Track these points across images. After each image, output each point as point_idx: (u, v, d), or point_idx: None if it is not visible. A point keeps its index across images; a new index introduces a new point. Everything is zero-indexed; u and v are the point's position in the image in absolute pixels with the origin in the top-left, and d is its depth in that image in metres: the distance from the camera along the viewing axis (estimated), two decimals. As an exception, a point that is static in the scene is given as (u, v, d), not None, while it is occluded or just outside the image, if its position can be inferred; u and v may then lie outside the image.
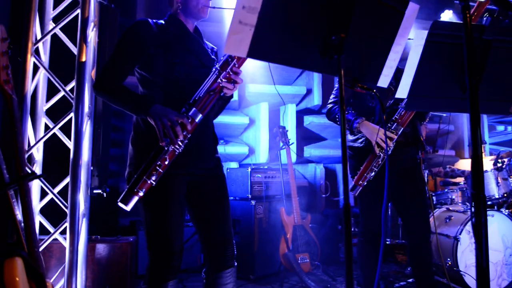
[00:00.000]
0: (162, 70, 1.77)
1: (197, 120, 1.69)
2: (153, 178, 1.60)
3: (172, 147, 1.63)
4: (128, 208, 1.59)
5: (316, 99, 4.77)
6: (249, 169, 3.67)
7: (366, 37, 1.43)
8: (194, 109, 1.69)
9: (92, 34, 2.43)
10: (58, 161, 2.59)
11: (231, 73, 1.71)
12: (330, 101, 2.69)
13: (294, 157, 4.52)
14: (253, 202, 3.57)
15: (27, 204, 1.32)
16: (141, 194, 1.59)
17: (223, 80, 1.71)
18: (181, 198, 1.81)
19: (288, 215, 3.53)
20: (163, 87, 1.78)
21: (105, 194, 2.50)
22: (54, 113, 2.60)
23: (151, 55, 1.77)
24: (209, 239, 1.88)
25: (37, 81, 2.57)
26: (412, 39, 1.76)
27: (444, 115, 4.45)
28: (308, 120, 4.78)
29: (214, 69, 1.72)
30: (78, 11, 2.40)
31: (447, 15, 4.91)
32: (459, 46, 1.76)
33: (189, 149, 1.70)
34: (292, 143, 3.70)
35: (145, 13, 3.87)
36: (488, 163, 4.19)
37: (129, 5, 3.53)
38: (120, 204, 1.59)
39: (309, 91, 4.82)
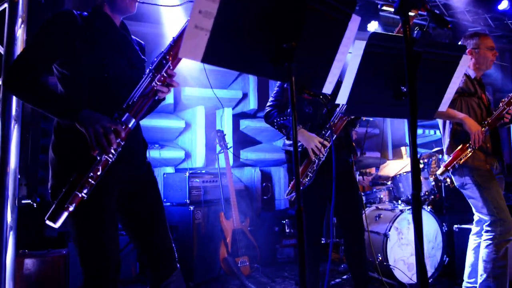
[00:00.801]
0: (88, 69, 1.62)
1: (130, 125, 1.58)
2: (85, 191, 1.45)
3: (105, 156, 1.50)
4: (56, 225, 1.43)
5: (252, 103, 4.84)
6: (187, 174, 3.61)
7: (314, 46, 1.48)
8: (127, 114, 1.57)
9: (20, 31, 2.24)
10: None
11: (166, 75, 1.60)
12: (268, 104, 2.75)
13: (230, 161, 4.54)
14: (191, 208, 3.52)
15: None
16: (71, 209, 1.43)
17: (158, 83, 1.60)
18: (112, 207, 1.68)
19: (227, 219, 3.53)
20: (90, 88, 1.63)
21: (35, 204, 2.32)
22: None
23: (75, 50, 1.60)
24: (148, 247, 1.77)
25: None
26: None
27: (371, 119, 4.73)
28: (244, 124, 4.83)
29: (148, 71, 1.61)
30: (5, 5, 2.21)
31: (373, 26, 5.23)
32: (394, 57, 1.90)
33: (119, 156, 1.57)
34: (231, 147, 3.71)
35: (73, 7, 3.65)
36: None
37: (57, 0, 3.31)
38: (48, 222, 1.42)
39: (245, 95, 4.87)
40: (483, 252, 2.72)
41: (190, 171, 3.77)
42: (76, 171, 1.47)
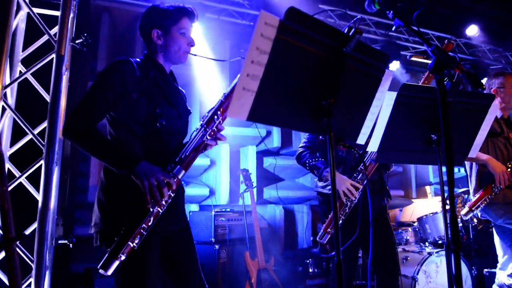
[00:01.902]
0: (143, 119, 1.67)
1: (180, 177, 1.65)
2: (136, 241, 1.52)
3: (157, 208, 1.56)
4: (108, 273, 1.48)
5: (275, 141, 4.91)
6: (213, 212, 3.65)
7: (350, 100, 1.55)
8: (178, 167, 1.64)
9: (64, 78, 2.38)
10: (20, 208, 2.44)
11: (215, 130, 1.69)
12: (301, 145, 2.81)
13: (254, 199, 4.57)
14: (216, 246, 3.54)
15: (14, 266, 1.25)
16: (123, 258, 1.49)
17: (208, 137, 1.69)
18: (157, 257, 1.74)
19: (252, 259, 3.53)
20: (143, 137, 1.69)
21: (71, 245, 2.38)
22: (15, 159, 2.48)
23: (133, 100, 1.66)
24: None
25: (2, 124, 2.45)
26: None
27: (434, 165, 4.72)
28: (268, 161, 4.88)
29: (200, 126, 1.70)
30: (53, 55, 2.36)
31: (395, 66, 5.31)
32: (424, 106, 1.96)
33: (166, 208, 1.63)
34: (256, 186, 3.75)
35: (107, 56, 3.85)
36: (435, 203, 4.48)
37: (91, 47, 3.50)
38: (101, 270, 1.48)
39: (268, 133, 4.95)
40: None
41: (216, 209, 3.81)
42: (129, 220, 1.52)
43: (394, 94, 1.88)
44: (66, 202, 2.50)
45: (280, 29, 1.24)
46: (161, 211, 1.58)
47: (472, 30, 5.92)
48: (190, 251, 1.88)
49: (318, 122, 1.42)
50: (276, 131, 4.92)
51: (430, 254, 3.37)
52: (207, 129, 1.69)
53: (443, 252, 3.45)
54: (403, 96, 1.88)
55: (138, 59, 1.78)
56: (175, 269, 1.83)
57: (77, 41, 2.67)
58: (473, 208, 2.82)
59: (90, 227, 1.70)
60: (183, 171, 1.67)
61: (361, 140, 1.70)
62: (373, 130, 1.88)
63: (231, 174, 4.54)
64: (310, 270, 4.28)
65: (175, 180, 1.61)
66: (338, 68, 1.41)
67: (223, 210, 3.92)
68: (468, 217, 2.92)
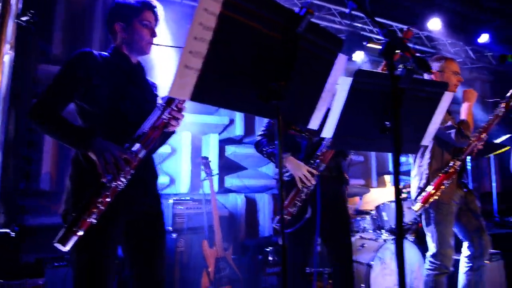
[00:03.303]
0: (106, 103, 1.75)
1: (140, 155, 1.67)
2: (94, 216, 1.54)
3: (115, 183, 1.58)
4: (66, 249, 1.50)
5: (238, 129, 4.85)
6: (171, 201, 3.57)
7: (301, 84, 1.50)
8: (138, 144, 1.67)
9: (7, 57, 2.23)
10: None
11: (175, 109, 1.71)
12: (259, 133, 2.77)
13: (215, 187, 4.51)
14: (174, 235, 3.47)
15: None
16: (80, 233, 1.51)
17: (168, 116, 1.71)
18: (118, 238, 1.77)
19: (210, 248, 3.48)
20: (107, 121, 1.77)
21: (13, 233, 2.24)
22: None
23: (94, 86, 1.74)
24: (143, 277, 1.84)
25: None
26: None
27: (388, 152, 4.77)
28: (230, 149, 4.82)
29: (159, 105, 1.72)
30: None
31: (359, 56, 5.34)
32: (378, 93, 1.95)
33: (131, 186, 1.66)
34: (216, 173, 3.69)
35: (63, 39, 3.66)
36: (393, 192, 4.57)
37: (45, 28, 3.30)
38: (57, 244, 1.49)
39: (231, 121, 4.89)
40: (425, 278, 2.87)
41: (175, 198, 3.73)
42: (87, 196, 1.55)
43: (349, 80, 1.86)
44: (8, 188, 2.35)
45: (225, 4, 1.17)
46: (119, 187, 1.60)
47: (434, 24, 6.03)
48: (157, 240, 1.89)
49: (267, 105, 1.37)
50: (239, 120, 4.87)
51: (385, 241, 3.43)
52: (167, 108, 1.71)
53: (399, 240, 3.51)
54: (358, 82, 1.85)
55: (105, 52, 1.88)
56: (138, 256, 1.85)
57: (22, 18, 2.50)
58: (425, 204, 2.85)
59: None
60: (144, 150, 1.68)
61: (313, 125, 1.66)
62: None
63: (192, 163, 4.45)
64: (270, 258, 4.28)
65: (133, 156, 1.63)
66: (290, 49, 1.36)
67: (183, 198, 3.84)
68: (420, 211, 2.95)
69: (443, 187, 2.79)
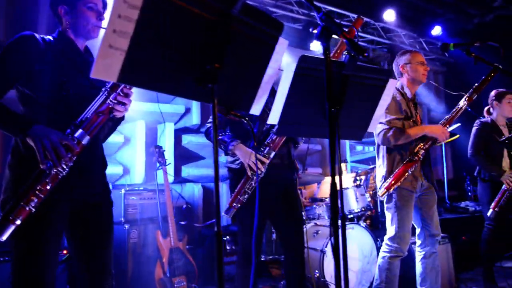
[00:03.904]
0: (48, 88, 1.69)
1: (84, 142, 1.62)
2: (32, 204, 1.48)
3: (55, 170, 1.52)
4: (2, 238, 1.43)
5: (194, 118, 4.79)
6: (123, 191, 3.48)
7: (239, 67, 1.48)
8: (81, 130, 1.61)
9: None
10: None
11: (121, 94, 1.66)
12: (209, 120, 2.73)
13: (171, 177, 4.44)
14: (126, 226, 3.39)
15: None
16: (18, 222, 1.45)
17: (113, 101, 1.65)
18: (59, 227, 1.72)
19: (164, 238, 3.43)
20: (49, 106, 1.70)
21: None
22: None
23: (35, 71, 1.67)
24: (86, 270, 1.82)
25: None
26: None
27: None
28: (187, 139, 4.76)
29: (103, 90, 1.66)
30: None
31: (316, 46, 5.36)
32: (323, 79, 1.95)
33: (74, 173, 1.62)
34: (169, 163, 3.62)
35: (5, 23, 3.45)
36: (349, 180, 4.66)
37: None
38: None
39: (187, 110, 4.81)
40: (379, 261, 2.97)
41: (127, 188, 3.64)
42: (25, 184, 1.49)
43: (293, 66, 1.85)
44: None
45: (152, -19, 1.12)
46: (60, 174, 1.54)
47: (389, 15, 6.16)
48: (104, 231, 1.87)
49: (202, 88, 1.34)
50: (195, 109, 4.80)
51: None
52: (112, 93, 1.66)
53: (351, 225, 3.59)
54: (302, 68, 1.85)
55: (50, 36, 1.81)
56: (84, 247, 1.81)
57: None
58: (390, 190, 2.92)
59: None
60: (87, 136, 1.63)
61: (254, 111, 1.65)
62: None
63: (147, 152, 4.36)
64: (228, 247, 4.27)
65: (75, 142, 1.58)
66: (224, 31, 1.32)
67: (136, 188, 3.76)
68: (384, 197, 3.02)
69: (406, 174, 2.86)
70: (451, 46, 2.54)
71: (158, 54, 1.23)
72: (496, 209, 3.59)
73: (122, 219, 3.44)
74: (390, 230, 2.95)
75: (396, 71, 3.15)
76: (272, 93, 1.87)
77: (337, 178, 1.48)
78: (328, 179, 5.08)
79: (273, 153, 2.49)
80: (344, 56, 1.98)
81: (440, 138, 2.86)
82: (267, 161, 2.47)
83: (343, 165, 5.24)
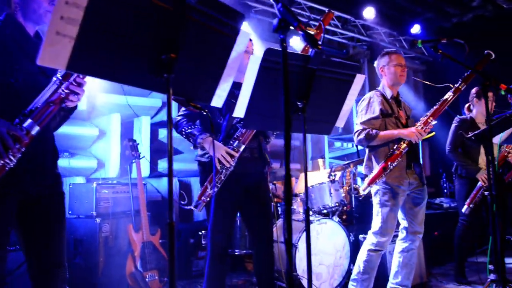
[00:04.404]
0: None
1: (33, 132, 1.57)
2: None
3: (1, 161, 1.48)
4: None
5: (172, 112, 4.74)
6: (94, 184, 3.44)
7: (198, 58, 1.47)
8: (30, 120, 1.56)
9: None
10: None
11: (74, 83, 1.61)
12: (179, 114, 2.71)
13: (147, 171, 4.41)
14: (98, 220, 3.35)
15: None
16: None
17: (65, 90, 1.60)
18: (8, 219, 1.66)
19: (136, 232, 3.40)
20: None
21: None
22: None
23: None
24: (37, 264, 1.76)
25: None
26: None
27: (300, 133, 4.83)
28: (163, 133, 4.72)
29: (55, 79, 1.60)
30: None
31: (296, 41, 5.34)
32: (290, 72, 1.95)
33: (23, 165, 1.57)
34: (143, 156, 3.59)
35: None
36: (325, 175, 4.68)
37: None
38: None
39: (164, 104, 4.77)
40: (360, 253, 3.03)
41: (100, 182, 3.60)
42: None
43: (258, 59, 1.85)
44: None
45: (101, -33, 1.10)
46: (7, 165, 1.50)
47: (369, 12, 6.20)
48: (53, 222, 1.80)
49: (158, 79, 1.32)
50: (172, 103, 4.75)
51: (311, 222, 3.51)
52: (64, 82, 1.60)
53: (324, 220, 3.62)
54: (268, 61, 1.85)
55: None
56: (33, 239, 1.76)
57: None
58: (371, 184, 2.96)
59: None
60: (37, 126, 1.58)
61: (216, 103, 1.64)
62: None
63: (122, 146, 4.31)
64: (203, 241, 4.26)
65: (24, 133, 1.53)
66: (180, 20, 1.31)
67: (109, 182, 3.71)
68: (366, 192, 3.05)
69: (388, 170, 2.90)
70: (419, 43, 2.57)
71: (111, 42, 1.21)
72: (471, 205, 3.66)
73: (94, 212, 3.40)
74: (375, 224, 2.99)
75: (378, 74, 3.20)
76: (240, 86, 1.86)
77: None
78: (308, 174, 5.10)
79: (242, 147, 2.49)
80: (310, 50, 1.99)
81: (413, 140, 2.90)
82: (237, 155, 2.46)
83: (320, 160, 5.28)
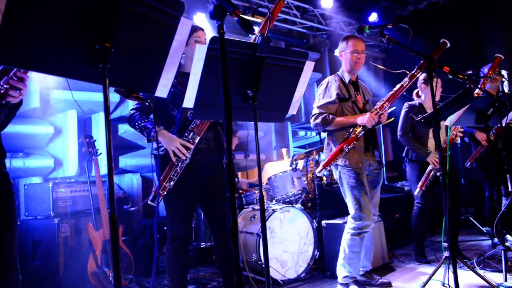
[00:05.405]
0: None
1: None
2: None
3: None
4: None
5: (131, 107, 4.63)
6: (50, 184, 3.34)
7: (137, 48, 1.44)
8: None
9: None
10: None
11: (14, 78, 1.53)
12: (132, 107, 2.66)
13: (105, 168, 4.31)
14: (56, 220, 3.26)
15: None
16: None
17: (5, 86, 1.53)
18: None
19: (97, 230, 3.33)
20: None
21: None
22: None
23: None
24: None
25: None
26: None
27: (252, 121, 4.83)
28: (123, 128, 4.63)
29: None
30: None
31: (200, 18, 5.07)
32: (237, 61, 1.94)
33: None
34: (101, 153, 3.51)
35: None
36: (288, 164, 4.73)
37: None
38: None
39: (123, 99, 4.67)
40: (343, 238, 3.11)
41: (57, 181, 3.50)
42: None
43: (204, 48, 1.83)
44: None
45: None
46: None
47: (326, 1, 6.25)
48: (2, 223, 1.73)
49: (94, 69, 1.29)
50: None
51: (274, 211, 3.54)
52: (3, 77, 1.52)
53: (287, 208, 3.66)
54: (214, 50, 1.83)
55: None
56: None
57: None
58: (326, 167, 3.01)
59: None
60: None
61: (160, 93, 1.62)
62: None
63: (78, 143, 4.19)
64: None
65: None
66: (114, 9, 1.28)
67: (68, 181, 3.62)
68: (321, 174, 3.11)
69: (344, 152, 2.94)
70: (367, 28, 2.63)
71: (39, 33, 1.17)
72: (423, 188, 3.78)
73: (51, 213, 3.30)
74: (350, 208, 3.06)
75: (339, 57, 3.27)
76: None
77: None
78: (268, 166, 5.14)
79: (198, 138, 2.47)
80: (257, 37, 1.99)
81: (368, 125, 2.96)
82: (192, 146, 2.44)
83: (284, 150, 5.31)
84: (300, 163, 4.55)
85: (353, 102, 3.14)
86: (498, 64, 4.01)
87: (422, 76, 4.02)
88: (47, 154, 4.23)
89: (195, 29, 2.60)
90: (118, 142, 4.61)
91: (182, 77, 2.50)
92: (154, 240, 4.21)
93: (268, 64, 2.01)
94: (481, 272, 2.98)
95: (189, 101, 1.91)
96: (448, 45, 2.92)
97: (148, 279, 3.92)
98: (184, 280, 2.65)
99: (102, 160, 3.77)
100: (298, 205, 3.80)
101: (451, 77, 2.67)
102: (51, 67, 1.24)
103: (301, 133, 6.70)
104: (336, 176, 3.18)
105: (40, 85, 4.02)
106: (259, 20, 5.15)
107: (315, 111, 3.12)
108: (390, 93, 3.06)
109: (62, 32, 1.21)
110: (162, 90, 1.60)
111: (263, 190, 4.16)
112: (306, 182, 4.17)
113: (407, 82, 3.03)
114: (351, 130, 3.01)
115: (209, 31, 4.54)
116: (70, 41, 1.23)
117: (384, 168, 6.85)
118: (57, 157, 4.21)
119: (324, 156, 3.27)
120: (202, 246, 3.91)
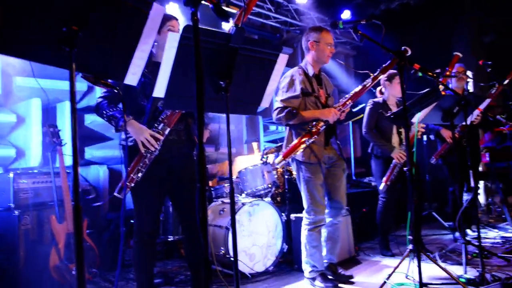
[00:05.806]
0: None
1: None
2: None
3: None
4: None
5: (98, 95, 4.50)
6: (11, 174, 3.20)
7: (106, 33, 1.39)
8: None
9: None
10: None
11: None
12: (100, 95, 2.58)
13: (69, 159, 4.17)
14: (16, 212, 3.13)
15: None
16: None
17: None
18: None
19: (60, 223, 3.22)
20: None
21: None
22: None
23: None
24: None
25: None
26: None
27: (224, 115, 4.80)
28: (90, 118, 4.49)
29: None
30: None
31: (173, 8, 4.98)
32: (210, 51, 1.91)
33: None
34: (65, 143, 3.39)
35: None
36: (259, 158, 4.73)
37: None
38: None
39: (90, 88, 4.53)
40: (302, 235, 3.14)
41: (18, 171, 3.36)
42: None
43: (177, 36, 1.79)
44: None
45: None
46: None
47: (301, -3, 6.28)
48: None
49: (61, 53, 1.23)
50: (99, 87, 4.52)
51: (243, 204, 3.53)
52: None
53: (257, 202, 3.66)
54: (187, 39, 1.79)
55: None
56: None
57: None
58: (286, 158, 3.00)
59: None
60: None
61: (130, 80, 1.57)
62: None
63: (42, 133, 4.04)
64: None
65: None
66: (82, -9, 1.23)
67: (30, 172, 3.48)
68: (280, 165, 3.11)
69: (304, 145, 2.95)
70: (340, 24, 2.64)
71: (4, 13, 1.11)
72: (388, 183, 3.87)
73: (12, 204, 3.17)
74: (304, 202, 3.08)
75: (304, 45, 3.19)
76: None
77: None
78: (238, 159, 5.13)
79: (168, 129, 2.42)
80: (231, 28, 1.96)
81: (330, 120, 2.98)
82: (162, 138, 2.39)
83: (254, 144, 5.31)
84: (271, 157, 4.56)
85: (316, 97, 3.14)
86: (456, 61, 4.15)
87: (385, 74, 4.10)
88: (8, 144, 4.05)
89: (169, 18, 2.53)
90: (84, 132, 4.47)
91: (153, 67, 2.44)
92: (120, 234, 4.13)
93: (242, 55, 1.99)
94: (442, 264, 3.08)
95: (159, 90, 1.86)
96: (409, 53, 2.94)
97: (113, 273, 3.83)
98: (151, 273, 2.61)
99: (67, 150, 3.64)
100: (268, 199, 3.81)
101: (420, 74, 2.73)
102: (17, 49, 1.17)
103: (272, 127, 6.72)
104: (294, 171, 3.21)
105: (2, 71, 3.84)
106: (234, 11, 5.09)
107: (278, 104, 3.09)
108: (353, 91, 3.10)
109: (28, 13, 1.14)
110: (132, 78, 1.56)
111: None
112: (276, 176, 4.19)
113: (370, 83, 3.07)
114: (313, 124, 3.02)
115: (183, 23, 4.47)
116: (37, 22, 1.17)
117: (353, 164, 6.99)
118: (19, 146, 4.04)
119: (284, 148, 3.27)
120: (170, 240, 3.87)
